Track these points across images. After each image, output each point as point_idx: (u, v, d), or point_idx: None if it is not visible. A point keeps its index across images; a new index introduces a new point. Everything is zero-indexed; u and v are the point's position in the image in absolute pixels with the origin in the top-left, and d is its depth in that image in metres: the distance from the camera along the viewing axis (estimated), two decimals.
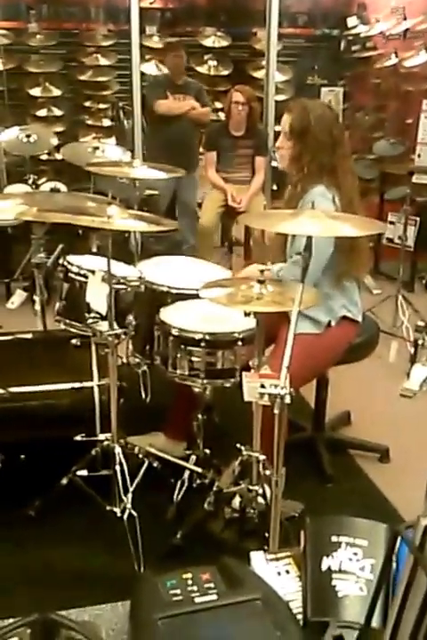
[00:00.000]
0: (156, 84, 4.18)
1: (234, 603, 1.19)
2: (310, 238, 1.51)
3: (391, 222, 4.16)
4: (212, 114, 4.85)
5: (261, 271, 1.67)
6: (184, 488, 1.99)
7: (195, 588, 1.23)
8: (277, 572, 1.37)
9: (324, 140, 1.96)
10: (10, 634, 1.09)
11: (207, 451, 2.08)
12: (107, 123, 4.77)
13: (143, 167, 2.28)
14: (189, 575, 1.26)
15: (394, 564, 1.26)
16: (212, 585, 1.24)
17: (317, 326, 2.02)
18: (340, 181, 1.98)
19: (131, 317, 1.98)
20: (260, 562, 1.40)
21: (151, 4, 4.82)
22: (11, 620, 1.13)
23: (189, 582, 1.24)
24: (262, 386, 1.42)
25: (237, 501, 1.83)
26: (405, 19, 4.45)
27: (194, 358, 1.88)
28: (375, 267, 4.30)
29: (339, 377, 2.38)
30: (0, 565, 1.83)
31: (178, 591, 1.22)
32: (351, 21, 4.90)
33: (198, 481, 2.01)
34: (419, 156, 4.19)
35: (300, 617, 1.28)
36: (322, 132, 1.96)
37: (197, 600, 1.19)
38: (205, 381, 1.89)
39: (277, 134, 4.28)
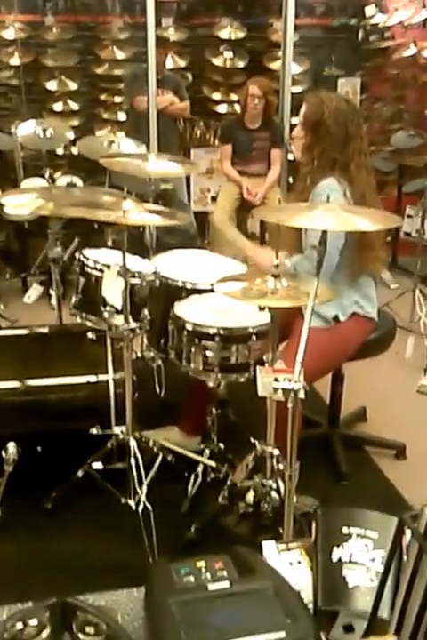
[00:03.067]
0: (134, 79, 4.10)
1: (246, 590, 1.22)
2: (324, 232, 1.50)
3: (409, 216, 4.11)
4: (226, 105, 4.86)
5: (276, 266, 1.66)
6: (198, 482, 2.01)
7: (208, 575, 1.27)
8: (288, 562, 1.39)
9: (337, 135, 1.95)
10: (30, 616, 1.13)
11: (221, 445, 2.08)
12: (122, 117, 4.77)
13: (158, 161, 2.28)
14: (203, 563, 1.29)
15: (405, 557, 1.26)
16: (224, 573, 1.28)
17: (323, 320, 2.00)
18: (353, 176, 1.96)
19: (146, 311, 1.99)
20: (271, 552, 1.41)
21: None
22: (30, 604, 1.16)
23: (203, 570, 1.28)
24: (276, 380, 1.42)
25: (250, 496, 1.83)
26: (424, 7, 4.37)
27: (208, 353, 1.88)
28: (393, 261, 4.24)
29: (355, 373, 2.36)
30: (17, 554, 1.86)
31: (191, 578, 1.26)
32: (369, 11, 4.82)
33: (212, 475, 2.02)
34: None
35: (310, 606, 1.29)
36: (336, 126, 1.95)
37: (210, 587, 1.23)
38: (219, 376, 1.89)
39: (292, 127, 4.28)
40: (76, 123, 4.59)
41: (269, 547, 1.42)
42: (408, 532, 1.20)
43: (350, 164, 1.96)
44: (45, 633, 1.11)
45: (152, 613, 1.23)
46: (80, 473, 2.00)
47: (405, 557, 1.25)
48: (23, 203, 2.03)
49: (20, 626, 1.11)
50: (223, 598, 1.19)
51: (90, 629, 1.15)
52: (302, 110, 2.04)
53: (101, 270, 1.98)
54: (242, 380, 1.90)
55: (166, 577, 1.26)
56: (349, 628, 1.25)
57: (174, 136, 4.24)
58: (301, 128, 2.05)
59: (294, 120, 4.32)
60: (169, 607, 1.15)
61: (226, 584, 1.23)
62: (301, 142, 2.04)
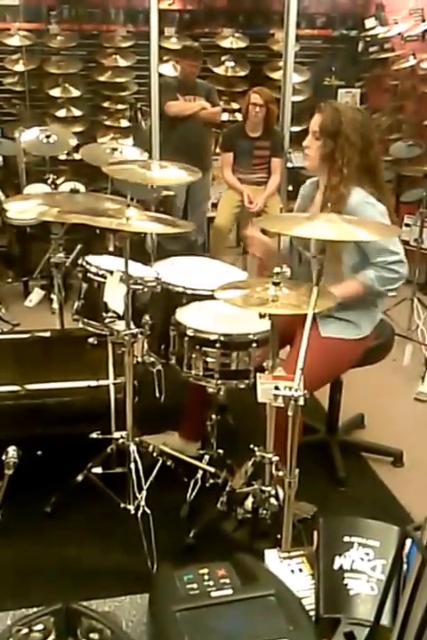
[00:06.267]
0: (166, 87, 4.18)
1: (248, 598, 1.22)
2: (324, 242, 1.53)
3: (407, 225, 4.14)
4: (227, 114, 4.90)
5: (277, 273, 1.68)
6: (197, 487, 2.01)
7: (211, 582, 1.27)
8: (290, 570, 1.39)
9: (358, 143, 1.96)
10: (35, 621, 1.13)
11: (221, 451, 2.09)
12: (125, 123, 4.81)
13: (160, 168, 2.30)
14: (206, 570, 1.30)
15: (405, 566, 1.27)
16: (227, 580, 1.28)
17: (354, 332, 2.04)
18: (380, 182, 2.02)
19: (147, 317, 2.00)
20: (274, 560, 1.42)
21: (170, 5, 4.85)
22: (35, 609, 1.17)
23: (206, 577, 1.28)
24: (277, 387, 1.44)
25: (249, 502, 1.83)
26: (423, 20, 4.42)
27: (209, 359, 1.89)
28: None
29: (353, 379, 2.38)
30: (17, 557, 1.87)
31: (195, 585, 1.26)
32: (369, 22, 4.88)
33: (211, 481, 2.03)
34: None
35: (312, 613, 1.30)
36: (355, 134, 1.96)
37: (213, 594, 1.23)
38: (219, 382, 1.91)
39: (293, 135, 4.31)
40: (78, 129, 4.63)
41: (271, 555, 1.43)
42: (408, 542, 1.21)
43: (376, 167, 2.01)
44: (50, 638, 1.12)
45: (156, 620, 1.24)
46: (80, 477, 2.00)
47: (404, 566, 1.26)
48: (26, 208, 2.05)
49: (25, 631, 1.11)
50: (226, 605, 1.20)
51: (94, 635, 1.14)
52: (317, 120, 2.00)
53: (104, 276, 2.00)
54: (242, 386, 1.92)
55: (170, 584, 1.27)
56: (350, 636, 1.25)
57: (207, 140, 4.26)
58: (314, 137, 2.01)
59: (294, 128, 4.38)
60: (173, 614, 1.16)
61: (229, 591, 1.23)
62: (317, 152, 2.01)
